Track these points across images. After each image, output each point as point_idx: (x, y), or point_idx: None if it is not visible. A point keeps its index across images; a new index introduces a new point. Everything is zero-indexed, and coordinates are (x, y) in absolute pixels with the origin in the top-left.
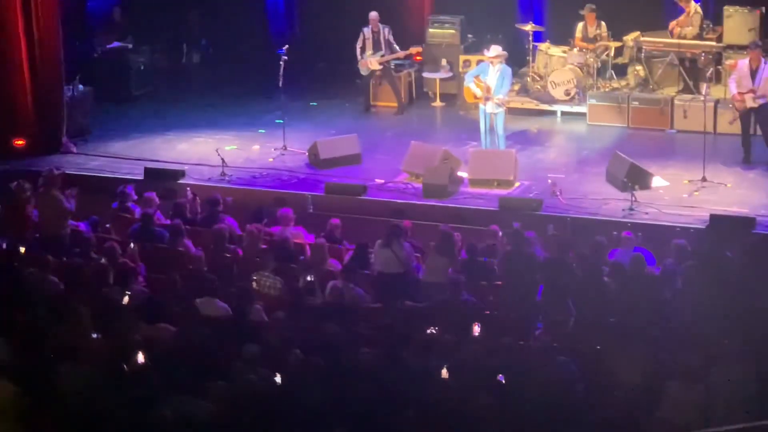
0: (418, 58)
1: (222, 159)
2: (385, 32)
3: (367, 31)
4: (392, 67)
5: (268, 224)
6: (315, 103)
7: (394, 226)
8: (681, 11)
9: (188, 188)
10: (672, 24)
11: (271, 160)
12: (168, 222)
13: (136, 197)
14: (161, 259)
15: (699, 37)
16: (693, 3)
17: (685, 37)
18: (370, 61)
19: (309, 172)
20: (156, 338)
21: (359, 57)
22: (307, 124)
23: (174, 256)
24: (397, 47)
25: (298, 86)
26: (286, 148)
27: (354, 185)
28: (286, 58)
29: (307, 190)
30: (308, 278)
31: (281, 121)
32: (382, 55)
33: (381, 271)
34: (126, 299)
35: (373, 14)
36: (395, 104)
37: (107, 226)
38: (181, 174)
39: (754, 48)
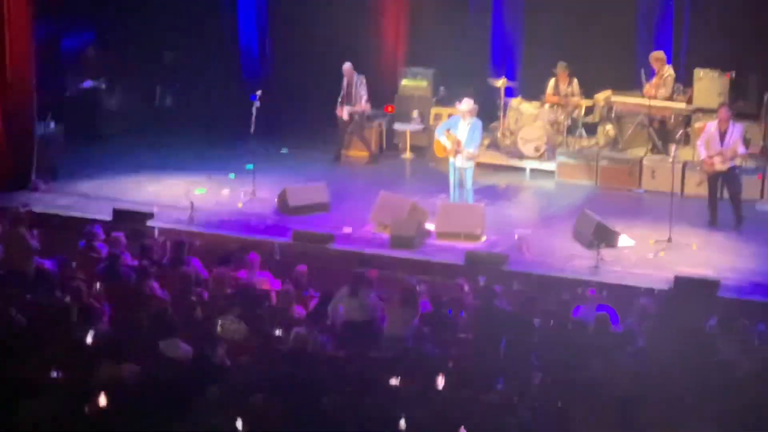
0: (390, 109)
1: (191, 202)
2: (357, 83)
3: (344, 83)
4: (364, 118)
5: (234, 269)
6: (286, 150)
7: (360, 275)
8: (653, 73)
9: (156, 230)
10: (647, 87)
11: (240, 205)
12: (135, 263)
13: (103, 237)
14: (127, 299)
15: (670, 98)
16: (667, 66)
17: (656, 98)
18: (344, 111)
19: (277, 218)
20: (119, 378)
21: (338, 106)
22: (277, 170)
23: (140, 297)
24: (364, 99)
25: (270, 132)
26: (255, 194)
27: (322, 233)
28: (258, 104)
29: (275, 237)
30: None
31: (251, 167)
32: (353, 106)
33: (346, 319)
34: (90, 338)
35: (346, 66)
36: (366, 153)
37: (74, 265)
38: (150, 215)
39: (722, 108)
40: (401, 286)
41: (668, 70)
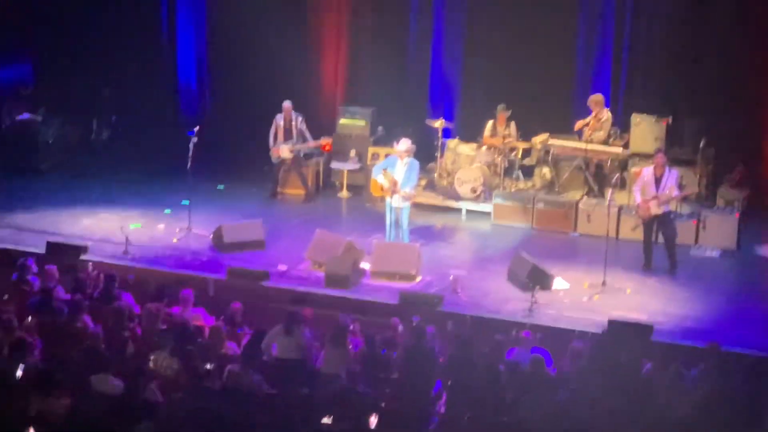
0: (327, 148)
1: (126, 236)
2: (298, 121)
3: (280, 119)
4: (302, 156)
5: (168, 304)
6: (222, 187)
7: (294, 313)
8: (589, 113)
9: (90, 264)
10: (579, 124)
11: (175, 240)
12: (68, 297)
13: (36, 270)
14: (59, 333)
15: (605, 142)
16: (605, 109)
17: (593, 141)
18: (281, 149)
19: (212, 254)
20: (49, 412)
21: (271, 144)
22: (213, 206)
23: (72, 332)
24: (309, 136)
25: (207, 168)
26: (190, 230)
27: (256, 270)
28: (196, 140)
29: (210, 273)
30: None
31: (187, 202)
32: (294, 144)
33: (279, 357)
34: (20, 372)
35: (287, 103)
36: (302, 191)
37: (5, 298)
38: (84, 249)
39: (658, 153)
40: (335, 324)
41: (606, 114)
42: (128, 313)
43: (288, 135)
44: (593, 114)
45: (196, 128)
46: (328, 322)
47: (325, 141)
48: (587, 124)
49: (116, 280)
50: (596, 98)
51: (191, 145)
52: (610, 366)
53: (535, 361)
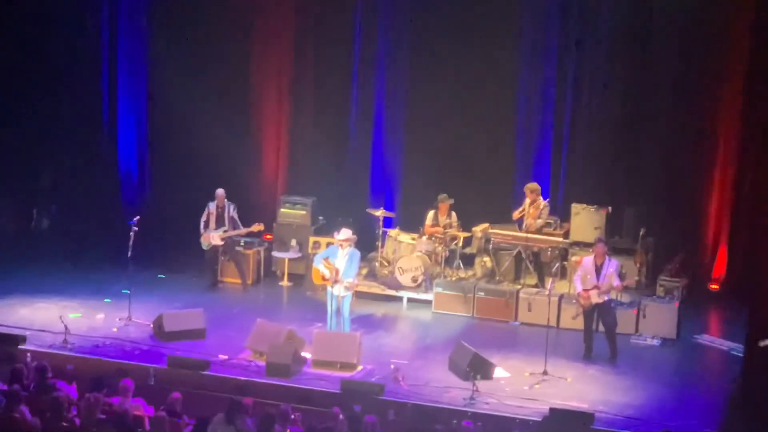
0: (268, 236)
1: (65, 326)
2: (230, 209)
3: (212, 206)
4: (241, 244)
5: (107, 394)
6: (163, 276)
7: (235, 402)
8: (523, 199)
9: (28, 354)
10: (517, 213)
11: (115, 329)
12: (5, 387)
13: None
14: None
15: (541, 231)
16: (541, 198)
17: (530, 227)
18: (212, 236)
19: (153, 344)
20: None
21: (202, 231)
22: (153, 295)
23: (9, 423)
24: (241, 225)
25: (147, 257)
26: (131, 319)
27: (197, 360)
28: (136, 228)
29: (150, 362)
30: None
31: (127, 292)
32: (225, 231)
33: None
34: None
35: (220, 191)
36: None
37: None
38: (22, 339)
39: (598, 243)
40: (277, 413)
41: (543, 202)
42: (67, 404)
43: (220, 222)
44: (530, 201)
45: (137, 217)
46: (269, 411)
47: (256, 227)
48: (523, 212)
49: (48, 371)
50: (533, 186)
51: (132, 234)
52: None
53: None
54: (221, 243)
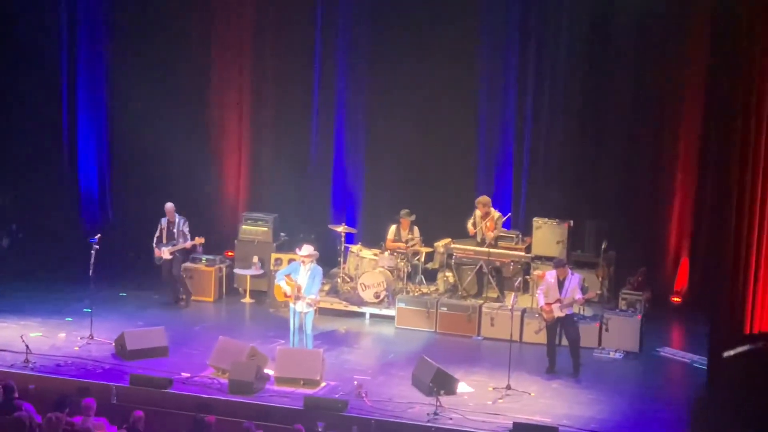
0: (230, 254)
1: (26, 345)
2: (180, 223)
3: (164, 222)
4: (203, 261)
5: (70, 413)
6: (124, 294)
7: (198, 420)
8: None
9: None
10: (472, 229)
11: (76, 348)
12: None
13: None
14: None
15: (497, 242)
16: (493, 209)
17: (486, 238)
18: (162, 251)
19: (115, 362)
20: None
21: (154, 246)
22: (115, 314)
23: None
24: (189, 238)
25: (109, 275)
26: (92, 338)
27: (159, 378)
28: (97, 247)
29: (112, 381)
30: None
31: (89, 310)
32: (174, 245)
33: None
34: None
35: (169, 205)
36: (206, 298)
37: None
38: None
39: (557, 266)
40: (235, 430)
41: (497, 213)
42: (29, 424)
43: (170, 236)
44: (481, 215)
45: (98, 235)
46: (232, 429)
47: (197, 240)
48: (474, 224)
49: (15, 390)
50: (485, 200)
51: (93, 252)
52: None
53: None
54: (170, 257)
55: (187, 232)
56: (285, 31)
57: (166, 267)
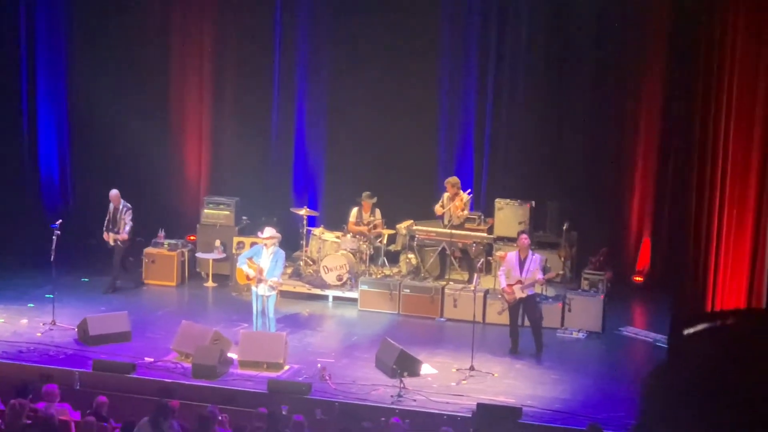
0: (191, 238)
1: None
2: (123, 211)
3: (111, 208)
4: (165, 246)
5: (32, 400)
6: (86, 279)
7: (161, 405)
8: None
9: None
10: (439, 209)
11: (39, 335)
12: None
13: None
14: None
15: (464, 225)
16: (462, 192)
17: (458, 220)
18: (109, 236)
19: (77, 348)
20: None
21: (105, 230)
22: (77, 299)
23: None
24: (127, 229)
25: (70, 261)
26: (54, 323)
27: (122, 363)
28: (59, 232)
29: (75, 367)
30: None
31: (51, 296)
32: (117, 232)
33: None
34: None
35: (113, 192)
36: (169, 283)
37: None
38: None
39: (521, 235)
40: (200, 414)
41: (466, 195)
42: None
43: (113, 223)
44: (450, 196)
45: (59, 221)
46: (195, 413)
47: (120, 236)
48: (442, 205)
49: None
50: (454, 180)
51: (54, 238)
52: None
53: None
54: (113, 244)
55: (128, 221)
56: (245, 16)
57: (118, 252)
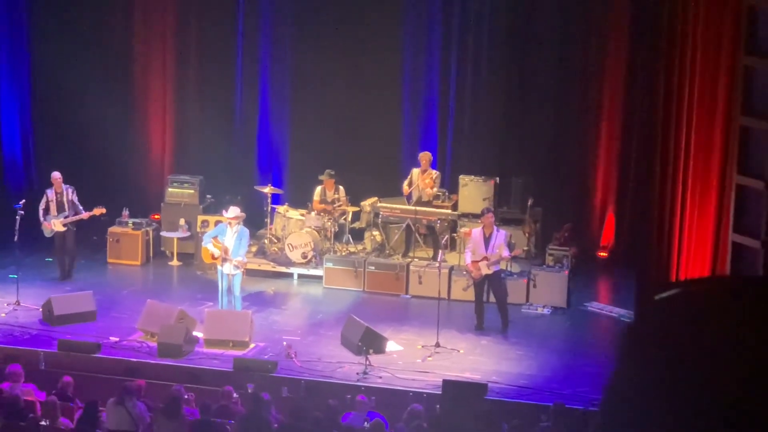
0: (156, 216)
1: None
2: (69, 192)
3: (50, 193)
4: (130, 225)
5: None
6: (50, 259)
7: (127, 384)
8: (409, 169)
9: None
10: (407, 188)
11: (3, 315)
12: None
13: None
14: None
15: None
16: (432, 169)
17: (428, 196)
18: (53, 223)
19: (42, 328)
20: None
21: (41, 219)
22: (41, 279)
23: None
24: (81, 208)
25: (34, 241)
26: (19, 304)
27: (88, 343)
28: (22, 212)
29: (40, 347)
30: None
31: (15, 276)
32: (66, 216)
33: (112, 430)
34: None
35: (56, 174)
36: (133, 262)
37: None
38: None
39: (486, 213)
40: (169, 394)
41: (436, 172)
42: None
43: (60, 208)
44: (422, 169)
45: (23, 201)
46: (161, 392)
47: (97, 210)
48: (410, 183)
49: None
50: (429, 156)
51: (17, 218)
52: (446, 426)
53: (376, 426)
54: (63, 229)
55: (76, 202)
56: None
57: (59, 239)
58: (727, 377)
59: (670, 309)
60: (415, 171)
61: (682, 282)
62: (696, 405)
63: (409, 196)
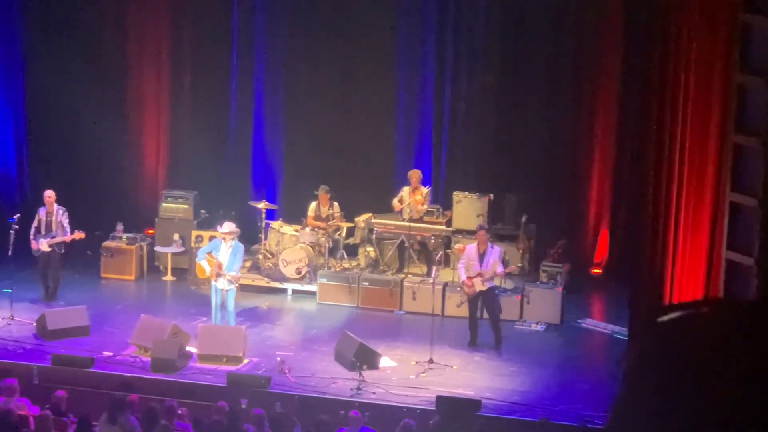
0: (150, 231)
1: None
2: (59, 213)
3: (42, 212)
4: (123, 240)
5: None
6: (9, 290)
7: (120, 399)
8: (401, 185)
9: None
10: (397, 205)
11: None
12: None
13: None
14: None
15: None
16: (422, 186)
17: (419, 213)
18: (41, 242)
19: (36, 342)
20: None
21: (32, 238)
22: (35, 294)
23: None
24: (69, 231)
25: (28, 255)
26: (13, 318)
27: (81, 357)
28: (17, 226)
29: (34, 361)
30: None
31: (9, 291)
32: (53, 237)
33: None
34: None
35: (48, 192)
36: (127, 277)
37: None
38: None
39: (480, 230)
40: (163, 409)
41: (426, 189)
42: None
43: (49, 228)
44: (412, 187)
45: (17, 215)
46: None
47: (77, 235)
48: (401, 200)
49: None
50: (419, 174)
51: (12, 232)
52: None
53: None
54: (49, 250)
55: (66, 224)
56: (203, 9)
57: (43, 259)
58: (732, 401)
59: (674, 332)
60: (406, 189)
61: (681, 305)
62: (701, 429)
63: (400, 213)
